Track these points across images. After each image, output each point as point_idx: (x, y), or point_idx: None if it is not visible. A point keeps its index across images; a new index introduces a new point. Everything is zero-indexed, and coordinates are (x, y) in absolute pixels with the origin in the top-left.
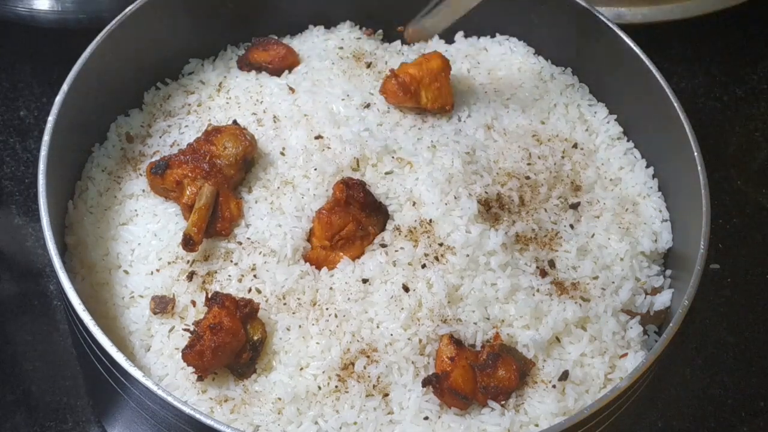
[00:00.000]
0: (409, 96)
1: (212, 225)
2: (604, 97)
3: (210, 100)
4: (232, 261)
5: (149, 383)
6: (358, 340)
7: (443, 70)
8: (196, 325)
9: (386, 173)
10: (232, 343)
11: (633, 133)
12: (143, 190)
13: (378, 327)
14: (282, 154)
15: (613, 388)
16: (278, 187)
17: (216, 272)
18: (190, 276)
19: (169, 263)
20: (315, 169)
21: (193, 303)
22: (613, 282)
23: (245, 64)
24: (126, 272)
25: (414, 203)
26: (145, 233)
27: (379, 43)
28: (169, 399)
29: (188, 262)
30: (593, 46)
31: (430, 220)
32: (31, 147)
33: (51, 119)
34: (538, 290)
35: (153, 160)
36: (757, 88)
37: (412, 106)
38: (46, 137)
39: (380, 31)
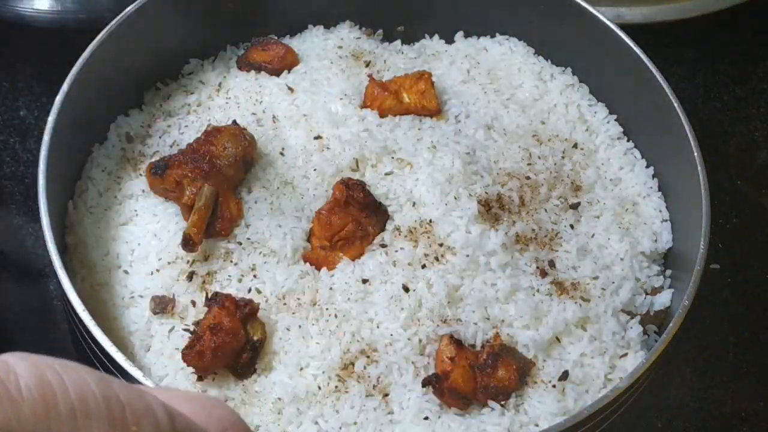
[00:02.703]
0: (388, 93)
1: (212, 225)
2: (604, 97)
3: (210, 100)
4: (232, 261)
5: (149, 383)
6: (358, 340)
7: (423, 75)
8: (196, 325)
9: (386, 174)
10: (232, 343)
11: (633, 133)
12: (143, 191)
13: (378, 327)
14: (281, 154)
15: (613, 388)
16: (278, 188)
17: (216, 272)
18: (190, 276)
19: (169, 263)
20: (314, 170)
21: (193, 303)
22: (613, 282)
23: (245, 64)
24: (126, 272)
25: (414, 204)
26: (145, 233)
27: (378, 43)
28: None
29: (188, 262)
30: (593, 46)
31: (430, 221)
32: (31, 147)
33: (51, 119)
34: (538, 290)
35: (153, 160)
36: (757, 88)
37: (398, 109)
38: (46, 137)
39: (380, 31)
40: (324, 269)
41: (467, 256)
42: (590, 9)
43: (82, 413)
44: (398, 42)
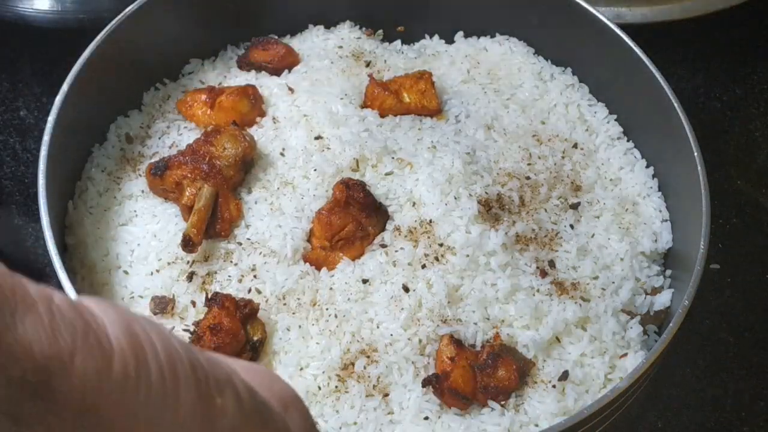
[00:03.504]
0: (389, 93)
1: (212, 226)
2: (604, 97)
3: None
4: (231, 261)
5: None
6: (358, 341)
7: (424, 75)
8: (196, 325)
9: (386, 174)
10: (232, 343)
11: (633, 133)
12: (143, 191)
13: (378, 327)
14: (282, 154)
15: (613, 388)
16: (278, 188)
17: (216, 273)
18: (190, 276)
19: (168, 264)
20: (315, 170)
21: (193, 303)
22: (613, 282)
23: (245, 64)
24: (126, 273)
25: (414, 204)
26: (145, 234)
27: (378, 43)
28: None
29: (188, 262)
30: (593, 46)
31: (430, 221)
32: (31, 147)
33: (51, 119)
34: (538, 290)
35: (152, 160)
36: (757, 88)
37: (398, 108)
38: (46, 137)
39: (380, 31)
40: (324, 269)
41: (467, 256)
42: (590, 9)
43: (172, 376)
44: (398, 42)
